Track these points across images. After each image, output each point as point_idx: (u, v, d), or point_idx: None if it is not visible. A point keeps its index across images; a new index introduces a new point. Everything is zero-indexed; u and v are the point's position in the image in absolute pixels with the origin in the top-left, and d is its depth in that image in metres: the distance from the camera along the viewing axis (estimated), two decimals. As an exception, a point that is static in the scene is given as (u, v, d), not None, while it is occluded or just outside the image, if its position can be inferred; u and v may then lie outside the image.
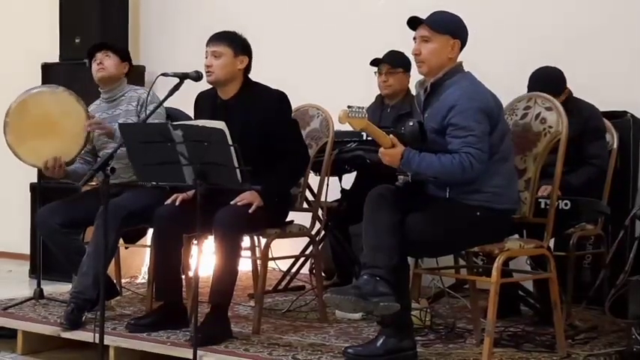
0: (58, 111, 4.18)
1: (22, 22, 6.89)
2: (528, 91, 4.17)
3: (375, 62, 4.78)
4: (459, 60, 3.46)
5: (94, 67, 4.41)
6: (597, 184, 4.13)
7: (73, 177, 4.26)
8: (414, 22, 3.45)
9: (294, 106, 4.23)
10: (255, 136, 3.81)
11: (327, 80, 5.62)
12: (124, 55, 4.49)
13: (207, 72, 3.90)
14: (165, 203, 3.94)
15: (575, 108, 4.11)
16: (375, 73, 4.81)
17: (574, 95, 4.28)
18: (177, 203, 3.90)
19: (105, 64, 4.39)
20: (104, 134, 4.21)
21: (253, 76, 4.04)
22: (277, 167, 3.86)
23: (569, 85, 4.29)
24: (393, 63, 4.69)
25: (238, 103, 3.94)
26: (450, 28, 3.41)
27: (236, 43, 3.93)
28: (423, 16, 3.46)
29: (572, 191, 3.82)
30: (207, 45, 3.95)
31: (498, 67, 4.75)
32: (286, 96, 3.96)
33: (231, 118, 3.71)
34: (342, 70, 5.64)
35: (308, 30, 5.93)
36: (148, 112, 4.00)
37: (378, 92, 4.92)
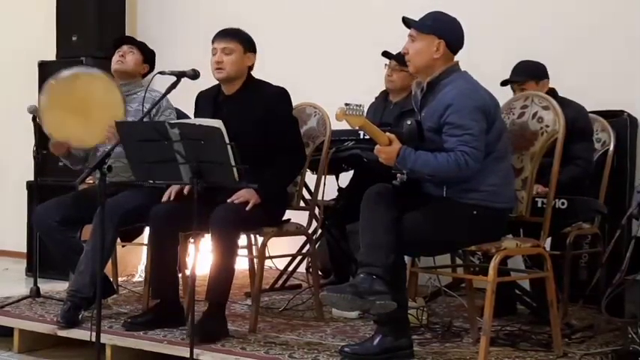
0: (102, 100, 4.14)
1: (19, 20, 6.89)
2: (509, 79, 4.20)
3: (385, 54, 4.78)
4: (456, 59, 3.47)
5: (115, 57, 4.40)
6: (580, 184, 4.13)
7: (71, 159, 4.28)
8: (406, 22, 3.47)
9: (294, 104, 4.23)
10: (254, 131, 3.82)
11: (329, 78, 5.63)
12: (149, 57, 4.48)
13: (217, 68, 3.90)
14: (162, 201, 3.94)
15: (562, 108, 4.11)
16: (385, 65, 4.81)
17: (567, 96, 4.27)
18: (172, 197, 3.90)
19: (127, 58, 4.39)
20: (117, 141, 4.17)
21: (255, 73, 4.05)
22: (275, 165, 3.87)
23: (566, 84, 4.29)
24: (400, 61, 4.68)
25: (239, 98, 3.96)
26: (434, 28, 3.42)
27: (245, 40, 3.97)
28: (422, 14, 3.47)
29: (557, 188, 3.81)
30: (214, 41, 3.95)
31: (497, 66, 4.75)
32: (287, 92, 3.98)
33: (232, 113, 3.73)
34: (342, 69, 5.64)
35: (309, 28, 5.94)
36: (160, 115, 4.01)
37: (380, 90, 4.92)
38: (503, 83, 4.26)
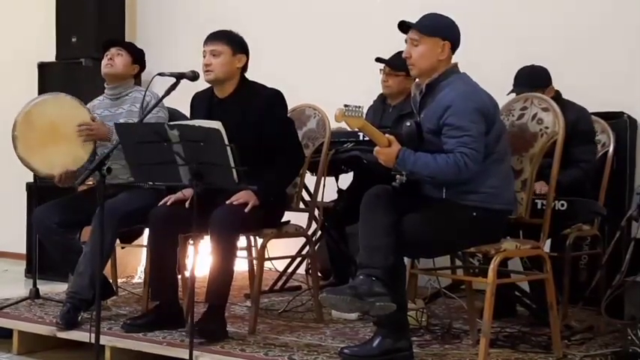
0: (62, 117, 4.17)
1: (18, 22, 6.89)
2: (513, 88, 4.19)
3: (378, 60, 4.77)
4: (455, 60, 3.46)
5: (104, 61, 4.40)
6: (583, 186, 4.12)
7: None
8: (404, 26, 3.45)
9: (293, 105, 4.23)
10: (250, 134, 3.82)
11: (327, 80, 5.63)
12: (138, 58, 4.48)
13: (205, 71, 3.91)
14: (158, 205, 3.93)
15: (564, 110, 4.11)
16: (380, 70, 4.80)
17: (567, 97, 4.27)
18: (168, 203, 3.91)
19: (115, 60, 4.38)
20: (96, 139, 4.18)
21: (252, 75, 4.05)
22: (273, 166, 3.86)
23: (566, 84, 4.28)
24: (393, 66, 4.68)
25: (234, 101, 3.96)
26: (438, 30, 3.41)
27: (234, 42, 3.96)
28: (421, 15, 3.46)
29: (559, 190, 3.82)
30: (204, 44, 3.96)
31: (497, 67, 4.75)
32: (282, 94, 3.98)
33: (227, 116, 3.72)
34: (341, 70, 5.64)
35: (307, 29, 5.93)
36: (149, 114, 4.00)
37: (379, 92, 4.91)
38: (509, 93, 4.23)
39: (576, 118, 4.11)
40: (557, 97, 4.22)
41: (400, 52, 4.68)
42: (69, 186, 4.21)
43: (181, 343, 3.66)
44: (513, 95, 4.06)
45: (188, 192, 3.81)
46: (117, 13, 6.31)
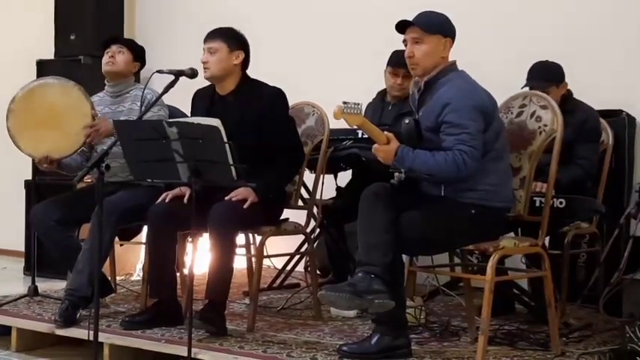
0: (64, 104, 4.15)
1: (17, 19, 6.88)
2: (527, 81, 4.18)
3: (396, 65, 4.67)
4: (453, 58, 3.46)
5: (105, 58, 4.38)
6: (581, 185, 4.12)
7: (66, 170, 4.26)
8: (402, 26, 3.43)
9: (293, 103, 4.23)
10: (251, 132, 3.83)
11: (327, 77, 5.62)
12: (138, 55, 4.46)
13: (203, 68, 3.92)
14: (157, 202, 3.94)
15: (575, 109, 4.12)
16: (385, 71, 4.76)
17: (574, 96, 4.28)
18: (167, 200, 3.91)
19: (116, 58, 4.36)
20: (103, 137, 4.17)
21: (253, 73, 4.06)
22: (273, 164, 3.86)
23: (568, 85, 4.29)
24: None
25: (235, 99, 3.96)
26: (440, 27, 3.41)
27: (231, 39, 3.96)
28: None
29: (560, 188, 3.82)
30: (204, 42, 3.97)
31: (498, 66, 4.75)
32: (283, 93, 3.98)
33: (228, 113, 3.73)
34: (341, 69, 5.64)
35: (308, 27, 5.93)
36: (149, 112, 4.01)
37: (378, 90, 4.89)
38: (523, 87, 4.21)
39: (585, 118, 4.13)
40: (568, 96, 4.22)
41: (399, 51, 4.69)
42: (48, 170, 4.21)
43: (180, 340, 3.66)
44: (507, 87, 4.06)
45: (185, 187, 3.82)
46: (116, 10, 6.31)
